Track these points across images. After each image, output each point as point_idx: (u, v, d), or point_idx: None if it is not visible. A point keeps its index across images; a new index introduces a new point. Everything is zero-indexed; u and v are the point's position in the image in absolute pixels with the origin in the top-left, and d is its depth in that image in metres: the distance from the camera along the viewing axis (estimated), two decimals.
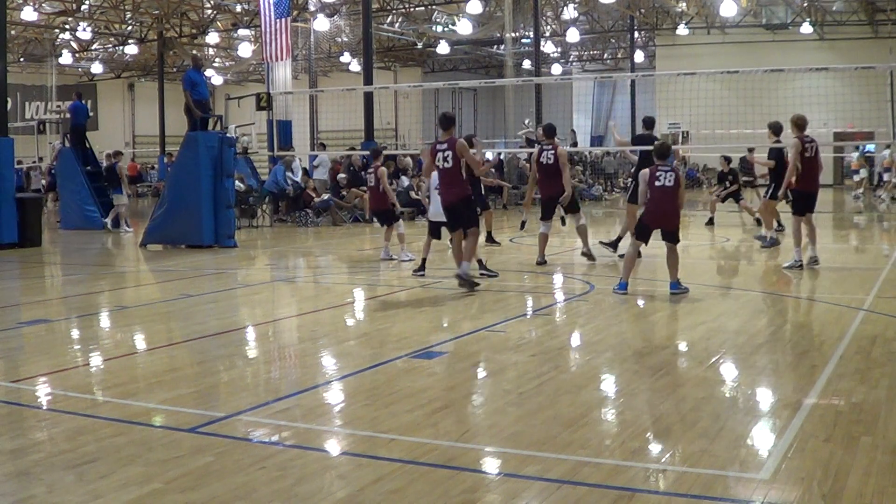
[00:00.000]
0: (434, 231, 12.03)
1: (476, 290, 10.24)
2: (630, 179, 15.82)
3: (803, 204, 12.08)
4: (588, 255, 12.98)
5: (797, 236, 12.00)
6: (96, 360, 7.38)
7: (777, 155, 14.59)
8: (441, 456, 4.73)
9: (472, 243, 10.43)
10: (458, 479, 4.36)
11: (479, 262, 11.53)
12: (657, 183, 9.73)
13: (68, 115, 21.88)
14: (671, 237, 9.96)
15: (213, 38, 38.53)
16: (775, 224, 15.44)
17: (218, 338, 8.06)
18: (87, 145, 21.43)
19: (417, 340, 7.77)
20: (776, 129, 14.64)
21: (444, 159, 10.29)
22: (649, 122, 14.30)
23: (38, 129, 31.08)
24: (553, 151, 12.68)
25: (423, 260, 11.97)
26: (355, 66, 41.45)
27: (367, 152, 23.46)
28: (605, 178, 35.81)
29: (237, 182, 19.44)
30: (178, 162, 17.25)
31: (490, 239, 16.00)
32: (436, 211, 11.66)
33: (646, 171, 10.01)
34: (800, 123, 12.25)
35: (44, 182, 29.24)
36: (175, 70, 41.81)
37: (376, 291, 11.37)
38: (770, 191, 14.58)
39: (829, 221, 22.42)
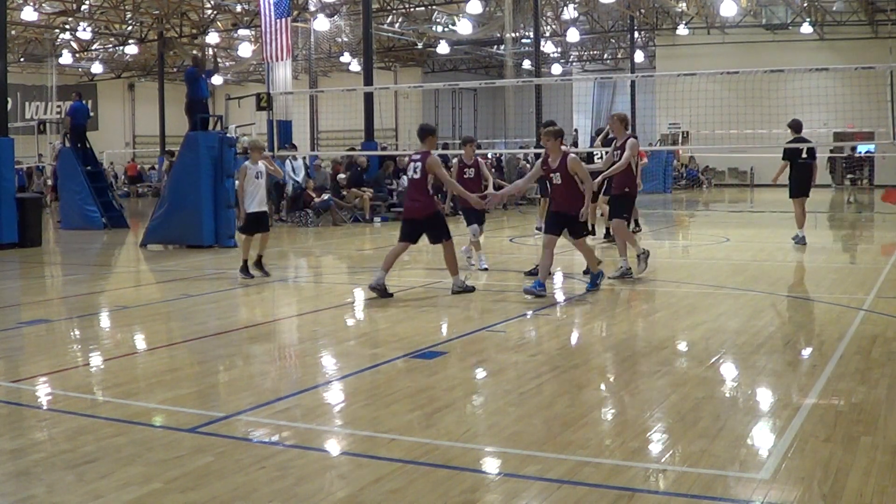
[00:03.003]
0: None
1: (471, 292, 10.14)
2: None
3: (627, 207, 11.42)
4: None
5: (630, 241, 11.36)
6: (96, 360, 7.38)
7: (791, 154, 14.67)
8: (441, 456, 4.73)
9: (450, 254, 10.14)
10: (458, 479, 4.36)
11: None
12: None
13: (67, 117, 21.84)
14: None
15: (213, 38, 38.53)
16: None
17: (218, 338, 8.06)
18: (87, 145, 21.43)
19: (417, 340, 7.76)
20: (797, 126, 14.77)
21: (414, 171, 10.09)
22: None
23: (38, 129, 31.06)
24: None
25: (245, 262, 11.65)
26: (355, 66, 41.46)
27: (368, 153, 23.60)
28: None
29: (237, 182, 19.43)
30: (179, 162, 17.24)
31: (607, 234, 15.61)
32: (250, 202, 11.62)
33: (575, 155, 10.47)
34: (627, 122, 11.61)
35: (49, 182, 29.30)
36: (175, 70, 41.81)
37: None
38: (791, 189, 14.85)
39: (828, 221, 22.44)
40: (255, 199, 11.82)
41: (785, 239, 15.18)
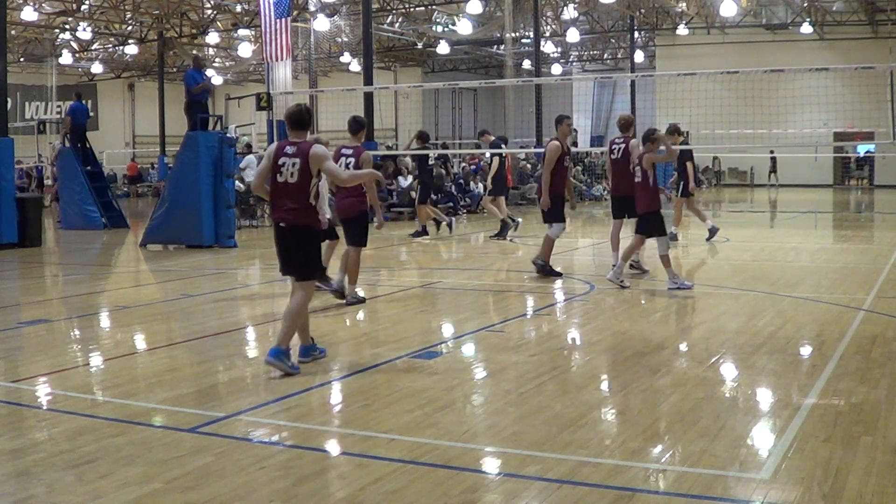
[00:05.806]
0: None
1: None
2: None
3: (620, 210, 11.36)
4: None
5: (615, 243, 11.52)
6: (96, 360, 7.38)
7: (685, 155, 15.24)
8: (441, 456, 4.73)
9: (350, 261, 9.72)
10: (458, 479, 4.36)
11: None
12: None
13: (67, 117, 21.83)
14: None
15: (213, 38, 38.52)
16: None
17: (218, 338, 8.06)
18: (87, 145, 21.43)
19: (417, 340, 7.77)
20: (674, 130, 15.25)
21: (347, 166, 9.09)
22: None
23: (38, 129, 31.06)
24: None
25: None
26: (355, 66, 41.45)
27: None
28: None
29: (237, 182, 19.44)
30: (179, 162, 17.24)
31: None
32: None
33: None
34: (621, 123, 11.37)
35: (48, 182, 29.25)
36: (175, 70, 41.81)
37: (376, 291, 11.36)
38: (680, 189, 15.41)
39: (828, 221, 22.45)
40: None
41: (785, 239, 15.19)
